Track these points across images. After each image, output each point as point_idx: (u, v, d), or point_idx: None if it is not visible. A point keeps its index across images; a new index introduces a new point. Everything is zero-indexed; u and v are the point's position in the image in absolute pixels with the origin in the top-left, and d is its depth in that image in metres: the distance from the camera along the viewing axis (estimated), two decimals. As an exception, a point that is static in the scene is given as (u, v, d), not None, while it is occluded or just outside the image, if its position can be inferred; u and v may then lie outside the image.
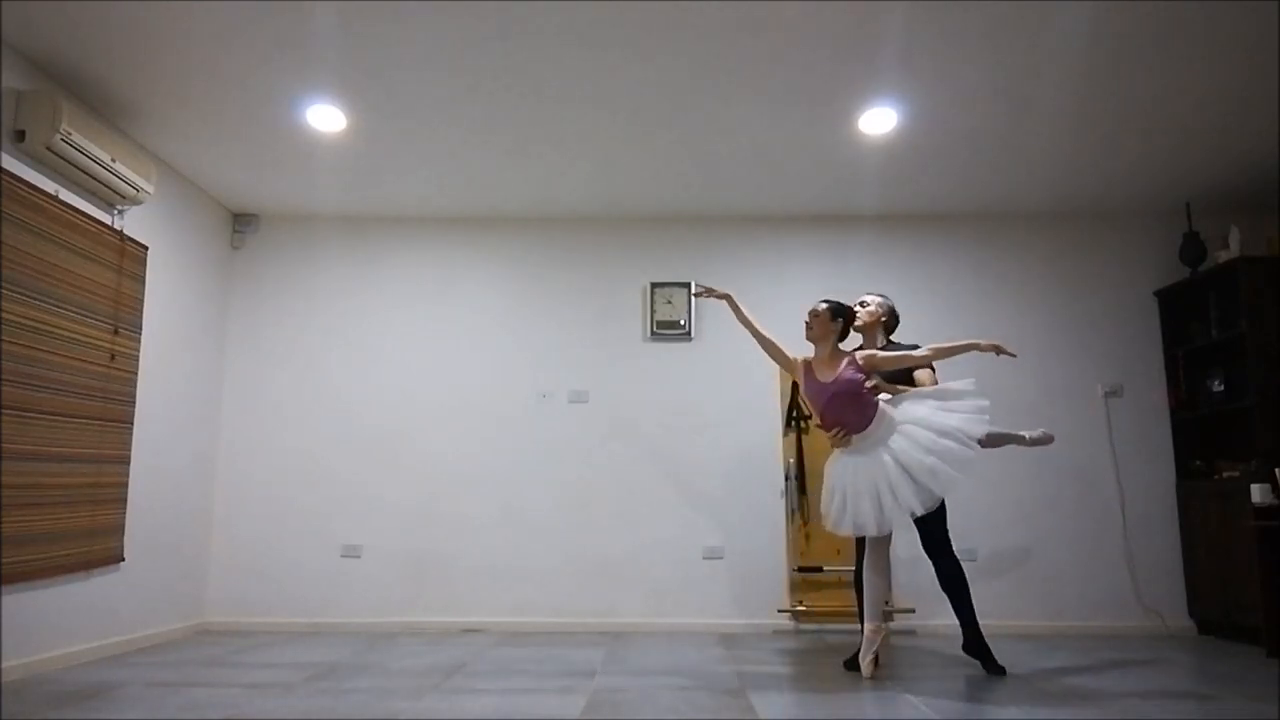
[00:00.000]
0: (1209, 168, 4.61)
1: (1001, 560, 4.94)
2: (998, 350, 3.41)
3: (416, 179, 4.78)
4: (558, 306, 5.27)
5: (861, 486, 3.40)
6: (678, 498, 5.04)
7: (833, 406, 3.51)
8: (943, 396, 3.49)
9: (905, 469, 3.33)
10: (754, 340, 3.73)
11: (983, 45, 3.41)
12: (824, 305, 3.64)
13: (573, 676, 3.55)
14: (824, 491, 3.61)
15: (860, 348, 3.78)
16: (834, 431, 3.52)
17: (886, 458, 3.36)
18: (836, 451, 3.59)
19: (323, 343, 5.22)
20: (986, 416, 3.41)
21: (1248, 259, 4.55)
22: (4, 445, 3.36)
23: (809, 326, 3.63)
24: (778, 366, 5.12)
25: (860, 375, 3.48)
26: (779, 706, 3.03)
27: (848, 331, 3.65)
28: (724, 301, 3.79)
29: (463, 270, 5.32)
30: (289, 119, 4.06)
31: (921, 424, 3.39)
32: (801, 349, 3.71)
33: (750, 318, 3.73)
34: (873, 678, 3.45)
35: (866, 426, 3.44)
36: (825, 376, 3.54)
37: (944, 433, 3.35)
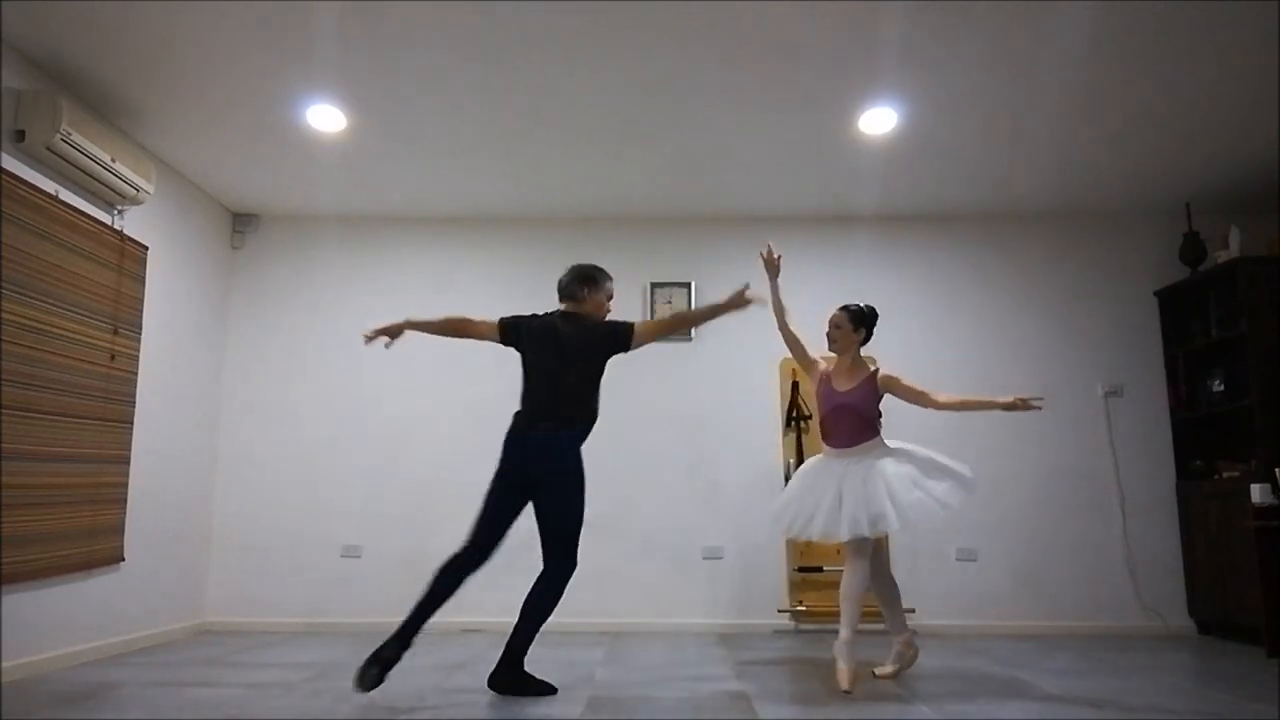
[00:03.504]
0: (1209, 168, 4.61)
1: (1001, 560, 4.94)
2: (1019, 405, 3.27)
3: (416, 179, 4.78)
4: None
5: (831, 489, 3.37)
6: (677, 497, 5.04)
7: (834, 415, 3.49)
8: (932, 467, 3.38)
9: (889, 484, 3.28)
10: (780, 333, 3.67)
11: (983, 45, 3.41)
12: (845, 315, 3.57)
13: (573, 676, 3.54)
14: (786, 495, 3.59)
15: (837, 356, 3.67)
16: (825, 437, 3.55)
17: (872, 469, 3.33)
18: (816, 458, 3.61)
19: (323, 342, 5.22)
20: (960, 498, 3.31)
21: (1248, 259, 4.55)
22: (4, 445, 3.36)
23: (832, 339, 3.57)
24: (777, 366, 5.15)
25: (874, 395, 3.46)
26: (779, 707, 3.03)
27: (870, 336, 3.59)
28: (769, 280, 3.64)
29: (462, 270, 5.32)
30: (289, 119, 4.06)
31: (911, 463, 3.37)
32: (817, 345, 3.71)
33: (786, 306, 3.66)
34: (849, 691, 3.19)
35: (857, 445, 3.43)
36: (841, 385, 3.51)
37: (921, 484, 3.31)
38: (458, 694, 3.23)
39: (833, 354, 3.63)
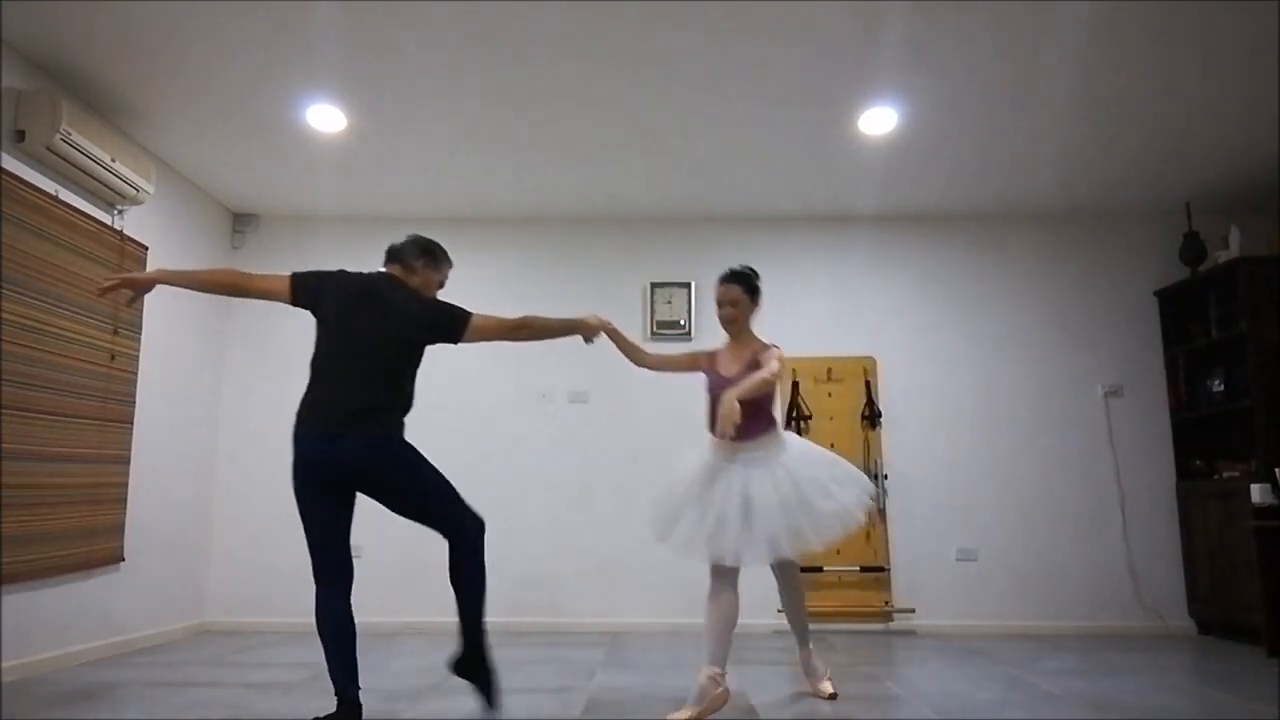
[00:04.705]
0: (1209, 168, 4.61)
1: (1001, 560, 4.94)
2: (731, 426, 2.64)
3: (416, 179, 4.78)
4: (558, 306, 5.25)
5: (734, 498, 2.83)
6: (678, 498, 5.03)
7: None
8: (837, 471, 2.97)
9: (803, 492, 2.81)
10: (652, 369, 3.20)
11: (983, 45, 3.41)
12: (739, 288, 3.01)
13: (573, 676, 3.54)
14: (669, 501, 3.02)
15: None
16: (712, 428, 2.96)
17: (779, 472, 2.84)
18: (699, 454, 3.04)
19: (323, 343, 5.21)
20: (866, 507, 2.92)
21: (1248, 259, 4.55)
22: (4, 445, 3.36)
23: (730, 320, 3.03)
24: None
25: None
26: (779, 707, 3.03)
27: (760, 300, 3.09)
28: (603, 335, 3.05)
29: (463, 270, 5.28)
30: (289, 119, 4.05)
31: (818, 466, 2.94)
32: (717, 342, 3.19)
33: (633, 345, 3.15)
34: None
35: (753, 438, 2.88)
36: (728, 368, 2.99)
37: (831, 491, 2.87)
38: (458, 694, 3.23)
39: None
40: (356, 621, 2.69)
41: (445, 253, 3.06)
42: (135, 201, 4.08)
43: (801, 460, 2.92)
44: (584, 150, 4.40)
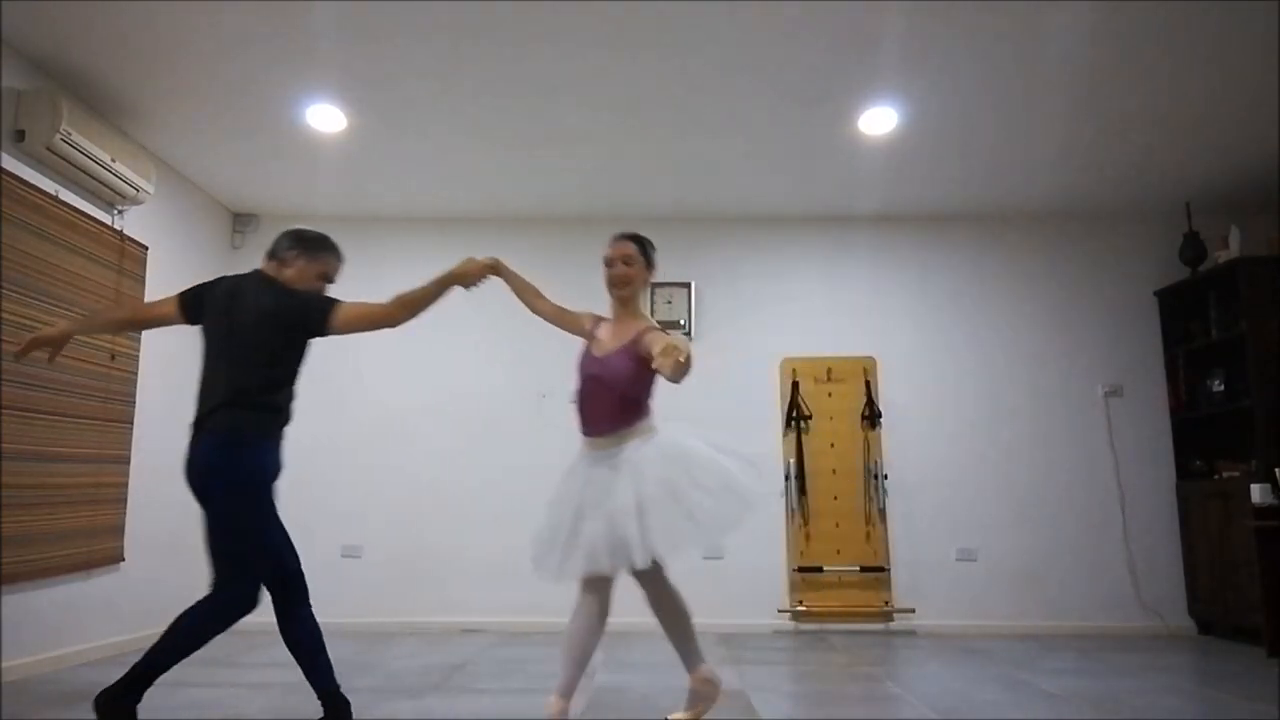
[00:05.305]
0: (1209, 168, 4.61)
1: (1001, 560, 4.93)
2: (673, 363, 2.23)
3: (416, 179, 4.78)
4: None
5: (571, 502, 2.58)
6: (678, 498, 5.03)
7: (584, 390, 2.61)
8: (713, 470, 2.55)
9: (640, 497, 2.43)
10: (543, 317, 2.93)
11: (983, 45, 3.41)
12: (637, 248, 2.68)
13: (573, 676, 3.54)
14: (550, 515, 2.72)
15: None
16: (579, 421, 2.66)
17: (619, 472, 2.51)
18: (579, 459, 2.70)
19: (322, 342, 5.20)
20: (737, 516, 2.51)
21: (1248, 259, 4.55)
22: (4, 445, 3.36)
23: (624, 281, 2.66)
24: (777, 366, 5.16)
25: (637, 361, 2.53)
26: (779, 706, 3.03)
27: (653, 275, 2.79)
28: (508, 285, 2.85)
29: (463, 270, 5.32)
30: (289, 119, 4.05)
31: (681, 465, 2.53)
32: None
33: (527, 286, 2.88)
34: None
35: (615, 430, 2.53)
36: (601, 348, 2.62)
37: (684, 496, 2.45)
38: (458, 694, 3.23)
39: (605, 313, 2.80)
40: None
41: (329, 243, 2.76)
42: (135, 201, 4.08)
43: (661, 457, 2.51)
44: (584, 150, 4.40)
